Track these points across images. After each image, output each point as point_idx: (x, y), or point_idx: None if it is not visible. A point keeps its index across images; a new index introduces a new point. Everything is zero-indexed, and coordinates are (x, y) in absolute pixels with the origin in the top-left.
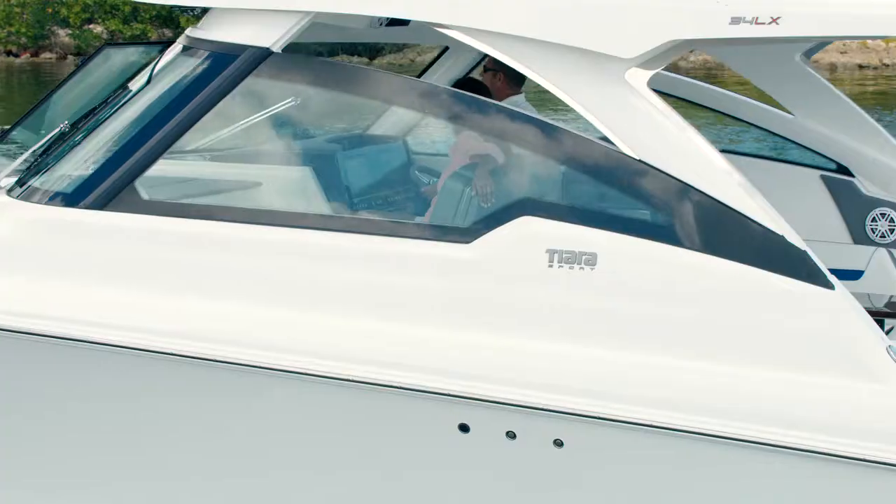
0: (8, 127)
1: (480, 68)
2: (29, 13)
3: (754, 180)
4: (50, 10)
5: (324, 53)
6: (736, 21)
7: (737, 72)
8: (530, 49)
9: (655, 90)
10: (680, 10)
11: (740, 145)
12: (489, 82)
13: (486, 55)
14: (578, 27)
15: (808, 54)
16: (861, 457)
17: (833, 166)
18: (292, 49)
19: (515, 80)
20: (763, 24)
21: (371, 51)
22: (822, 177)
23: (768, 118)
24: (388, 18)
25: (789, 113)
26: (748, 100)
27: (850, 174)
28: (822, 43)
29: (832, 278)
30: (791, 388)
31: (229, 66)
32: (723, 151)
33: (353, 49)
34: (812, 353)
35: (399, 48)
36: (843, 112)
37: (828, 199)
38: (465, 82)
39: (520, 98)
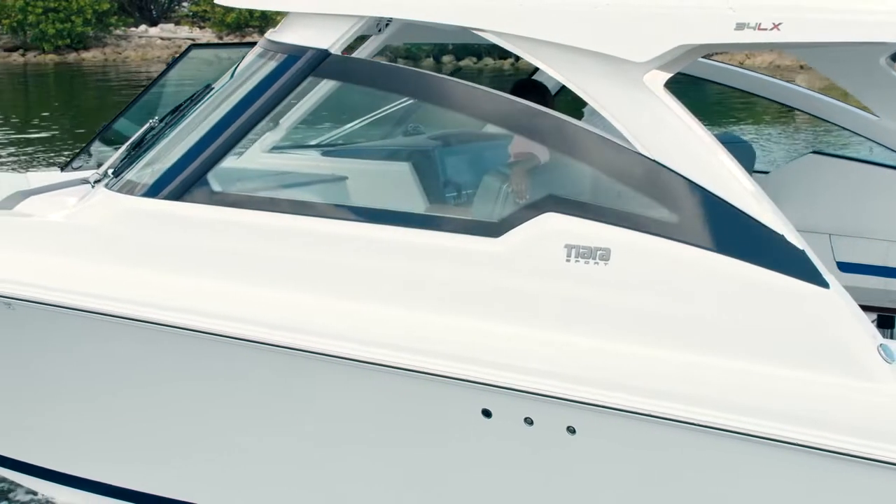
0: (109, 121)
1: None
2: None
3: (841, 181)
4: None
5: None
6: (740, 27)
7: (822, 74)
8: (555, 52)
9: (748, 91)
10: (689, 16)
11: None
12: None
13: None
14: (595, 32)
15: (895, 57)
16: (843, 451)
17: None
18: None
19: None
20: (765, 29)
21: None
22: None
23: (853, 119)
24: None
25: (874, 115)
26: (833, 101)
27: None
28: None
29: (828, 277)
30: (785, 383)
31: (291, 67)
32: (814, 153)
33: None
34: (805, 350)
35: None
36: None
37: None
38: (524, 83)
39: None
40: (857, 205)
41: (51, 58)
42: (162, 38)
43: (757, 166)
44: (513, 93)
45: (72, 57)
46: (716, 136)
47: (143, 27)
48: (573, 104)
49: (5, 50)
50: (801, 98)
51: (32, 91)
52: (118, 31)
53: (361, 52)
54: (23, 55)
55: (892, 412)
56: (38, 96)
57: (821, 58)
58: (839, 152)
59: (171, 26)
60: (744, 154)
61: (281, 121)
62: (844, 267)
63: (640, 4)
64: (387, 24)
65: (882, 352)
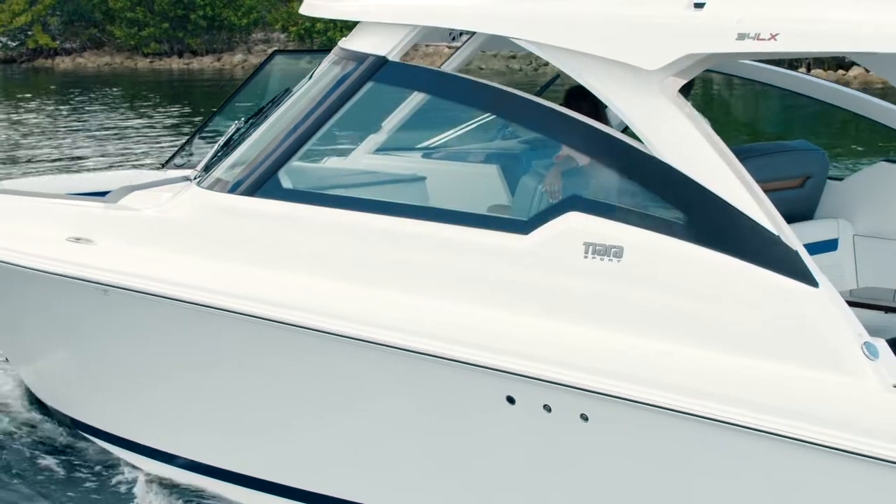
0: (204, 121)
1: None
2: None
3: None
4: None
5: None
6: (741, 37)
7: (883, 78)
8: (578, 60)
9: (813, 97)
10: (695, 27)
11: None
12: None
13: None
14: (611, 41)
15: None
16: (826, 444)
17: None
18: None
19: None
20: (764, 39)
21: None
22: None
23: None
24: None
25: None
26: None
27: None
28: None
29: (819, 277)
30: (774, 377)
31: (353, 73)
32: (885, 161)
33: None
34: (793, 345)
35: None
36: None
37: None
38: (577, 90)
39: None
40: None
41: None
42: (449, 47)
43: None
44: (566, 98)
45: None
46: (790, 143)
47: None
48: None
49: None
50: (855, 101)
51: None
52: None
53: (450, 63)
54: (309, 63)
55: (873, 407)
56: None
57: (881, 64)
58: None
59: (464, 36)
60: (817, 161)
61: (383, 124)
62: None
63: (652, 14)
64: (460, 34)
65: (865, 349)
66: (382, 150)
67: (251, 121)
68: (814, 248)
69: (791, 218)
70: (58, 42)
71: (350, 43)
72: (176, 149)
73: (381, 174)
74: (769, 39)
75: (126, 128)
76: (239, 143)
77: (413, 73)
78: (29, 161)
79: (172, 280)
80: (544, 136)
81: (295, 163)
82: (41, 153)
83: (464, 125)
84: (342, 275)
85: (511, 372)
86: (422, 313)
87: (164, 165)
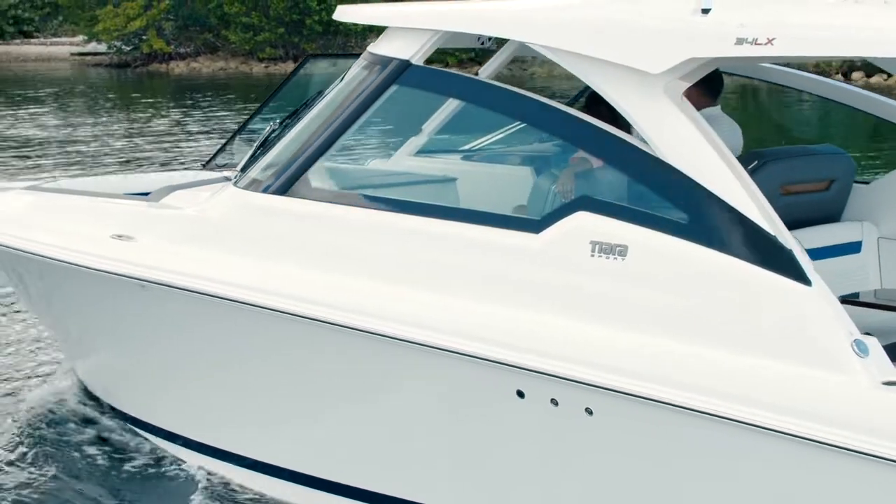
0: (244, 122)
1: None
2: None
3: None
4: None
5: None
6: (740, 42)
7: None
8: (587, 64)
9: (829, 99)
10: (696, 31)
11: None
12: (685, 93)
13: None
14: (616, 45)
15: None
16: (816, 439)
17: None
18: None
19: (710, 93)
20: (761, 44)
21: None
22: None
23: None
24: None
25: None
26: None
27: None
28: None
29: (813, 276)
30: (766, 373)
31: (379, 76)
32: None
33: None
34: (785, 342)
35: None
36: None
37: None
38: (594, 94)
39: (715, 110)
40: None
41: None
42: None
43: None
44: (587, 102)
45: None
46: (816, 146)
47: None
48: None
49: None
50: (869, 102)
51: None
52: None
53: (486, 69)
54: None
55: (862, 404)
56: None
57: (885, 63)
58: None
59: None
60: (842, 165)
61: (423, 126)
62: None
63: (658, 19)
64: (489, 39)
65: (855, 347)
66: (423, 152)
67: (285, 122)
68: (838, 251)
69: (817, 220)
70: (172, 47)
71: (377, 47)
72: (217, 149)
73: (409, 175)
74: (766, 44)
75: (253, 130)
76: (273, 145)
77: (435, 76)
78: (154, 163)
79: (206, 276)
80: (557, 138)
81: (325, 163)
82: (167, 156)
83: (503, 128)
84: (366, 272)
85: (521, 367)
86: (442, 311)
87: (205, 166)
